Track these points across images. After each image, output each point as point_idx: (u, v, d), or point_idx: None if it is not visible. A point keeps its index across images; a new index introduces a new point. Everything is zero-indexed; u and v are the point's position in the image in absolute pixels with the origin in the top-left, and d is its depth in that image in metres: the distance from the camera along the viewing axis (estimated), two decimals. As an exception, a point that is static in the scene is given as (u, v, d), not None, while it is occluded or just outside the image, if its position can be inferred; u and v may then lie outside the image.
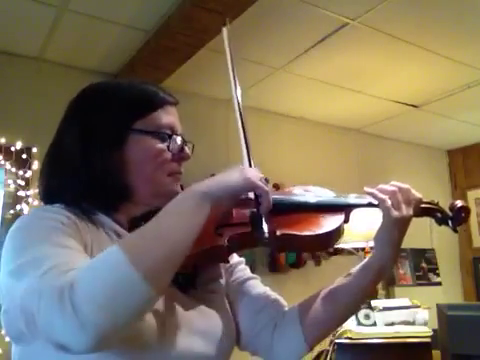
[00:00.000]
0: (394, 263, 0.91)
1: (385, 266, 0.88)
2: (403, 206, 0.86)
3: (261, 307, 0.94)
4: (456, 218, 0.93)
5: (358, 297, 0.91)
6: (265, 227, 0.80)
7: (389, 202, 0.86)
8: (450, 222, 0.94)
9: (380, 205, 0.86)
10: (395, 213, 0.85)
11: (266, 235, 0.79)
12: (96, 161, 0.83)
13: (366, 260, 0.91)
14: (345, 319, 0.95)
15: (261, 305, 0.94)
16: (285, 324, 0.92)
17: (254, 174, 0.78)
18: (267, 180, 0.80)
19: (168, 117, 0.88)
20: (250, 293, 0.96)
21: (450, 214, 0.94)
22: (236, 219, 0.88)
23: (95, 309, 0.60)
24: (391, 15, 2.39)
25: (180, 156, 0.89)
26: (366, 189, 0.90)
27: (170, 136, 0.88)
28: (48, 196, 0.88)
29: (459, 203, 0.93)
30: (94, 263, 0.66)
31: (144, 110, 0.86)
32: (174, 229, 0.69)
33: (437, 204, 0.95)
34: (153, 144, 0.85)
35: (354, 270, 0.91)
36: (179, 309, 0.82)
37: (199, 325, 0.83)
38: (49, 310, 0.61)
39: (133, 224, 0.86)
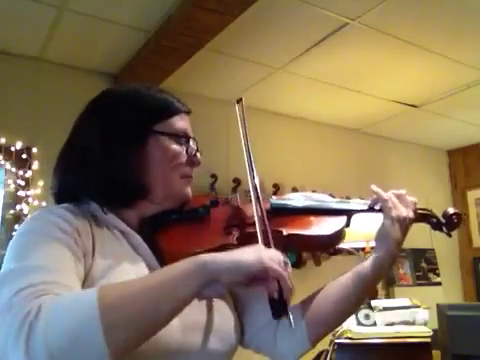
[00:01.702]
0: (394, 261, 0.95)
1: (386, 264, 0.92)
2: (401, 207, 0.93)
3: (264, 303, 0.94)
4: (449, 224, 1.01)
5: (360, 294, 0.93)
6: (291, 317, 0.75)
7: (391, 202, 0.93)
8: (444, 228, 1.02)
9: (382, 203, 0.94)
10: (395, 212, 0.92)
11: (292, 325, 0.76)
12: (117, 158, 0.86)
13: (367, 258, 0.94)
14: (347, 316, 0.97)
15: (264, 301, 0.94)
16: None
17: (270, 256, 0.72)
18: (286, 264, 0.74)
19: (184, 123, 0.93)
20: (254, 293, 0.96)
21: (443, 220, 1.01)
22: (244, 219, 0.91)
23: (46, 352, 0.59)
24: (391, 15, 2.39)
25: (193, 160, 0.93)
26: (373, 187, 0.97)
27: (187, 140, 0.92)
28: (61, 192, 0.90)
29: (451, 210, 1.01)
30: (67, 299, 0.65)
31: (164, 114, 0.91)
32: (154, 291, 0.66)
33: (431, 211, 1.03)
34: (171, 146, 0.90)
35: (356, 268, 0.93)
36: (193, 307, 0.83)
37: (213, 322, 0.85)
38: (7, 330, 0.61)
39: (143, 224, 0.90)
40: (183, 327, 0.78)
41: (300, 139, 3.72)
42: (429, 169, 4.39)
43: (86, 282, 0.75)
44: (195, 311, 0.82)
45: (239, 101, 0.98)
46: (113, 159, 0.86)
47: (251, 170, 0.90)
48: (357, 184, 3.58)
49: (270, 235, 0.82)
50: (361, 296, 0.94)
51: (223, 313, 0.88)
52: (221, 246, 0.86)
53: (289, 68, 2.93)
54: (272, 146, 3.47)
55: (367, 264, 0.92)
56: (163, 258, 0.85)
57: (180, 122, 0.92)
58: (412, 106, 3.54)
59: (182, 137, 0.92)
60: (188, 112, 0.96)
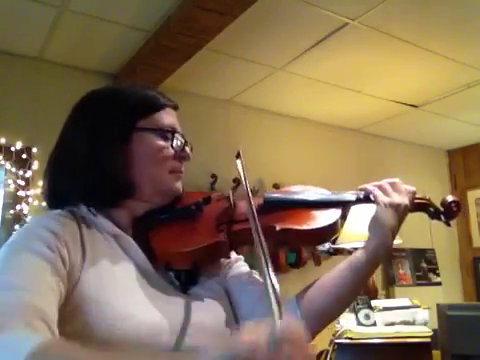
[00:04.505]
0: (389, 249, 0.92)
1: (379, 252, 0.89)
2: (394, 194, 0.91)
3: (258, 297, 0.94)
4: (448, 213, 0.96)
5: (355, 285, 0.91)
6: None
7: (377, 190, 0.92)
8: (442, 216, 0.97)
9: (371, 194, 0.93)
10: (386, 198, 0.91)
11: None
12: (103, 158, 0.86)
13: (360, 250, 0.91)
14: (343, 308, 0.95)
15: (258, 295, 0.94)
16: None
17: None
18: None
19: (169, 118, 0.92)
20: (248, 286, 0.96)
21: (442, 209, 0.97)
22: (238, 216, 0.89)
23: None
24: (391, 15, 2.39)
25: (181, 155, 0.92)
26: (359, 187, 0.96)
27: (172, 135, 0.91)
28: (53, 196, 0.90)
29: (450, 198, 0.97)
30: (4, 339, 0.62)
31: (147, 110, 0.90)
32: None
33: (429, 199, 0.99)
34: (155, 141, 0.89)
35: (350, 257, 0.91)
36: (186, 309, 0.83)
37: (206, 323, 0.84)
38: None
39: (135, 224, 0.89)
40: (171, 329, 0.78)
41: (300, 139, 3.72)
42: (429, 169, 4.39)
43: (74, 292, 0.75)
44: (184, 312, 0.82)
45: (238, 156, 0.91)
46: (99, 159, 0.86)
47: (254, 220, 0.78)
48: (357, 184, 3.56)
49: (261, 233, 0.75)
50: (356, 287, 0.92)
51: (215, 311, 0.88)
52: (212, 244, 0.85)
53: (289, 68, 2.92)
54: (272, 146, 3.47)
55: (361, 253, 0.90)
56: (155, 258, 0.85)
57: (165, 117, 0.91)
58: (412, 106, 3.54)
59: (167, 132, 0.90)
60: (175, 107, 0.95)
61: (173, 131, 0.91)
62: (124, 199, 0.88)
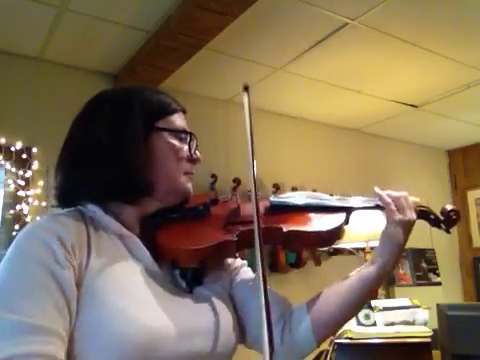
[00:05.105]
0: (396, 263, 0.97)
1: (389, 266, 0.93)
2: (407, 211, 0.93)
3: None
4: (447, 221, 1.01)
5: (363, 297, 0.95)
6: None
7: (394, 205, 0.93)
8: (442, 225, 1.01)
9: (386, 207, 0.94)
10: (399, 216, 0.93)
11: None
12: (126, 155, 0.86)
13: (369, 260, 0.95)
14: (349, 318, 0.98)
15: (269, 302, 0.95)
16: (295, 322, 0.94)
17: None
18: None
19: (181, 121, 0.95)
20: (255, 293, 0.96)
21: (441, 218, 1.01)
22: (245, 217, 0.91)
23: None
24: (391, 15, 2.39)
25: (195, 157, 0.95)
26: (376, 190, 0.97)
27: (190, 137, 0.94)
28: (65, 192, 0.89)
29: (449, 207, 1.01)
30: None
31: (164, 112, 0.93)
32: None
33: (429, 208, 1.03)
34: (174, 141, 0.92)
35: (360, 271, 0.95)
36: (190, 309, 0.84)
37: (212, 325, 0.85)
38: None
39: (143, 223, 0.89)
40: (178, 335, 0.78)
41: (300, 139, 3.72)
42: (429, 169, 4.39)
43: (81, 289, 0.75)
44: (192, 316, 0.82)
45: (246, 88, 0.93)
46: (121, 155, 0.86)
47: (252, 163, 0.84)
48: (357, 184, 3.58)
49: (261, 235, 0.76)
50: (364, 299, 0.96)
51: (223, 314, 0.88)
52: (221, 243, 0.86)
53: (289, 68, 2.92)
54: (272, 146, 3.47)
55: (371, 268, 0.93)
56: (162, 255, 0.85)
57: (178, 120, 0.94)
58: (412, 106, 3.54)
59: (183, 133, 0.93)
60: (184, 112, 0.98)
61: (190, 133, 0.94)
62: (141, 197, 0.89)
